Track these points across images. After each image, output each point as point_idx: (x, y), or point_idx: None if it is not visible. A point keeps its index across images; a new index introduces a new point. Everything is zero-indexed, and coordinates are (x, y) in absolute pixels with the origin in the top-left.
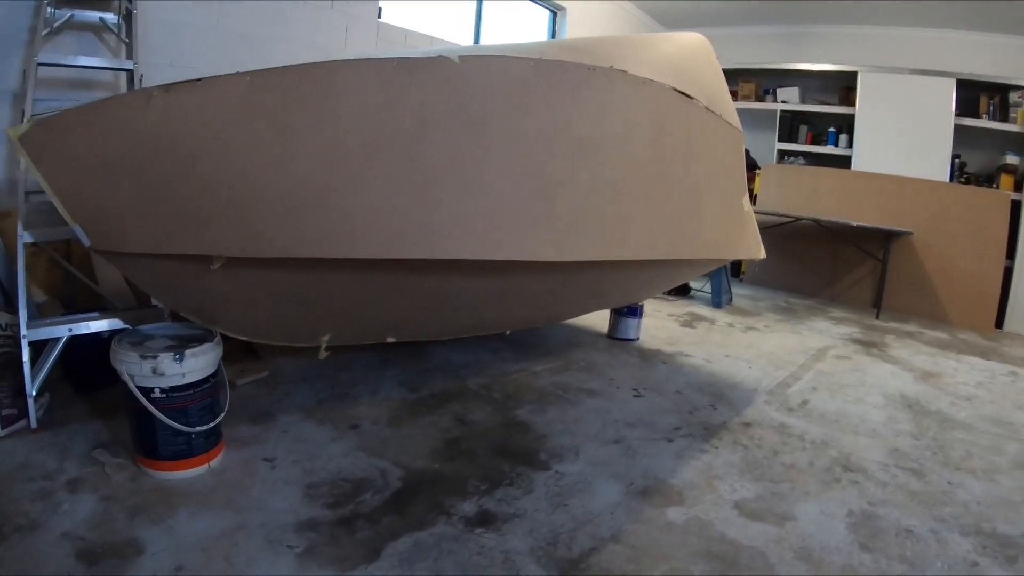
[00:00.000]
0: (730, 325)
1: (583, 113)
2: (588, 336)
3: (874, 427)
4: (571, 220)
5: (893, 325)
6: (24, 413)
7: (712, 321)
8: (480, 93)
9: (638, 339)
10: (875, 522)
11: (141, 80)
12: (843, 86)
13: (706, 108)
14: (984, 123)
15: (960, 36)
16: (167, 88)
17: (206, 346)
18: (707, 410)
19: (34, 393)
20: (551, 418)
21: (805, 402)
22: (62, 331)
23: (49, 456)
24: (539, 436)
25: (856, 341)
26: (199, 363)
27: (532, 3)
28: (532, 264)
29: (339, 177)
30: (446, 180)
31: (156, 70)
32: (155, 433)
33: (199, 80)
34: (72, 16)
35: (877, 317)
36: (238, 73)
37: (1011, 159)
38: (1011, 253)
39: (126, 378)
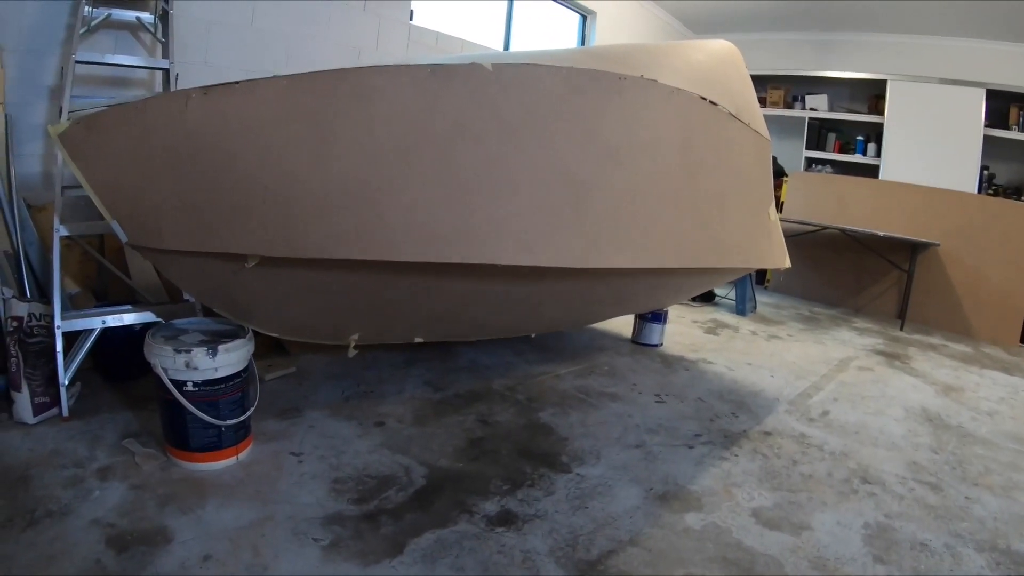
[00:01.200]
0: (753, 333)
1: (614, 121)
2: (612, 340)
3: (893, 440)
4: (601, 226)
5: (917, 337)
6: (56, 401)
7: (736, 329)
8: (513, 100)
9: (661, 345)
10: (890, 535)
11: (177, 79)
12: (872, 94)
13: (734, 116)
14: (1014, 134)
15: (990, 46)
16: (206, 90)
17: (238, 342)
18: (728, 418)
19: (66, 383)
20: (573, 421)
21: (826, 413)
22: (96, 323)
23: (80, 444)
24: (561, 439)
25: (879, 353)
26: (231, 358)
27: (562, 7)
28: (561, 269)
29: (374, 180)
30: (479, 185)
31: (191, 68)
32: (186, 425)
33: (237, 83)
34: (109, 15)
35: (901, 329)
36: (275, 76)
37: None
38: None
39: (159, 371)
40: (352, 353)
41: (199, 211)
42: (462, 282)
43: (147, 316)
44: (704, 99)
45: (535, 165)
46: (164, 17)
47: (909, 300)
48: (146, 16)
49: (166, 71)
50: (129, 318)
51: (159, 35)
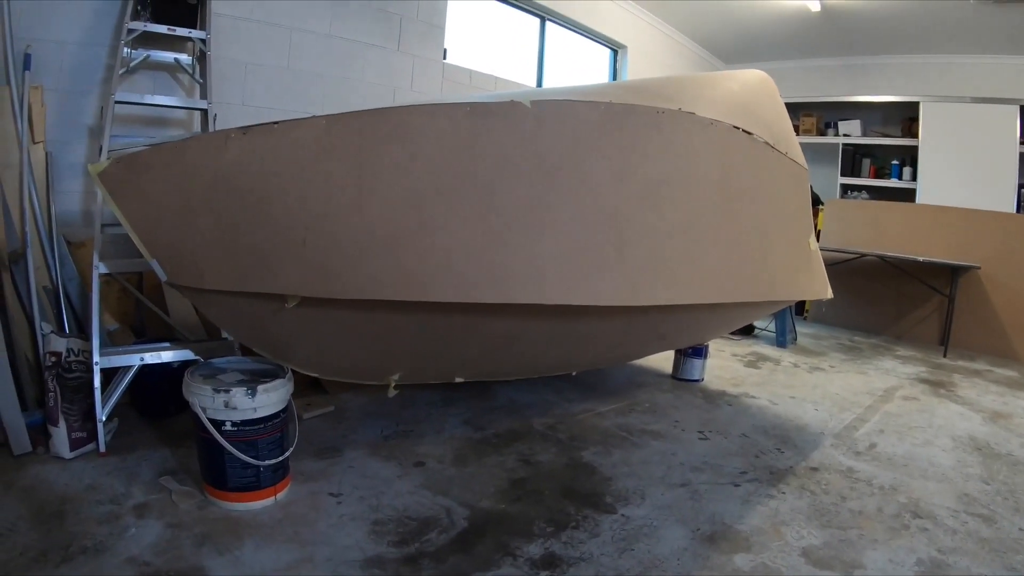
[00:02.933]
0: (795, 365)
1: (653, 156)
2: (652, 376)
3: (943, 471)
4: (642, 264)
5: (961, 364)
6: (93, 437)
7: (777, 361)
8: (552, 137)
9: (702, 380)
10: (944, 570)
11: (215, 119)
12: (905, 117)
13: (771, 146)
14: None
15: (1020, 61)
16: (245, 130)
17: (278, 382)
18: (773, 454)
19: (104, 418)
20: (616, 460)
21: (873, 445)
22: (134, 359)
23: (117, 480)
24: (604, 478)
25: (923, 381)
26: (271, 398)
27: (593, 42)
28: (603, 308)
29: (415, 220)
30: (520, 224)
31: (229, 109)
32: (224, 465)
33: (276, 123)
34: (148, 56)
35: (944, 355)
36: (314, 116)
37: None
38: None
39: (198, 410)
40: (392, 393)
41: (239, 251)
42: (504, 321)
43: (185, 354)
44: (741, 130)
45: (575, 203)
46: (202, 59)
47: (951, 325)
48: (184, 58)
49: (204, 111)
50: (167, 355)
51: (197, 76)
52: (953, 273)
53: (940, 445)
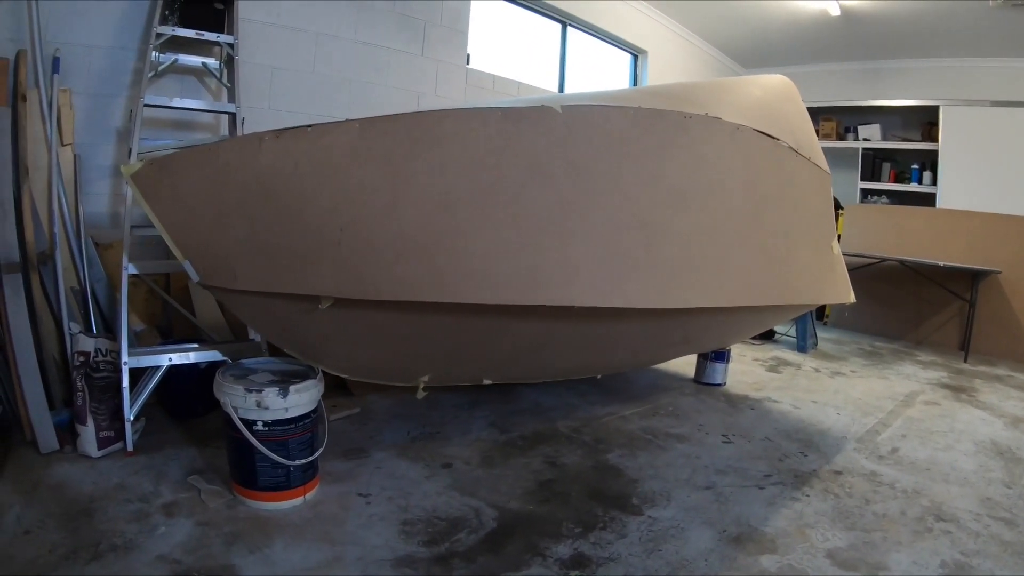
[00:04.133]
0: (816, 370)
1: (681, 160)
2: (674, 381)
3: (965, 475)
4: (671, 267)
5: (982, 369)
6: (120, 436)
7: (798, 366)
8: (583, 142)
9: (724, 384)
10: (968, 572)
11: (243, 123)
12: (925, 121)
13: (795, 151)
14: None
15: None
16: (278, 133)
17: (309, 382)
18: (797, 457)
19: (132, 418)
20: (642, 463)
21: (895, 450)
22: (162, 360)
23: (145, 479)
24: (631, 481)
25: (945, 386)
26: (302, 399)
27: (614, 47)
28: (633, 311)
29: (448, 223)
30: (551, 227)
31: (256, 113)
32: (255, 464)
33: (309, 126)
34: (176, 60)
35: (965, 360)
36: (348, 120)
37: None
38: None
39: (229, 410)
40: (421, 395)
41: (273, 252)
42: (534, 324)
43: (213, 355)
44: (766, 135)
45: (606, 206)
46: (229, 63)
47: (972, 331)
48: (211, 62)
49: (233, 115)
50: (195, 356)
51: (224, 80)
52: (974, 278)
53: (962, 450)
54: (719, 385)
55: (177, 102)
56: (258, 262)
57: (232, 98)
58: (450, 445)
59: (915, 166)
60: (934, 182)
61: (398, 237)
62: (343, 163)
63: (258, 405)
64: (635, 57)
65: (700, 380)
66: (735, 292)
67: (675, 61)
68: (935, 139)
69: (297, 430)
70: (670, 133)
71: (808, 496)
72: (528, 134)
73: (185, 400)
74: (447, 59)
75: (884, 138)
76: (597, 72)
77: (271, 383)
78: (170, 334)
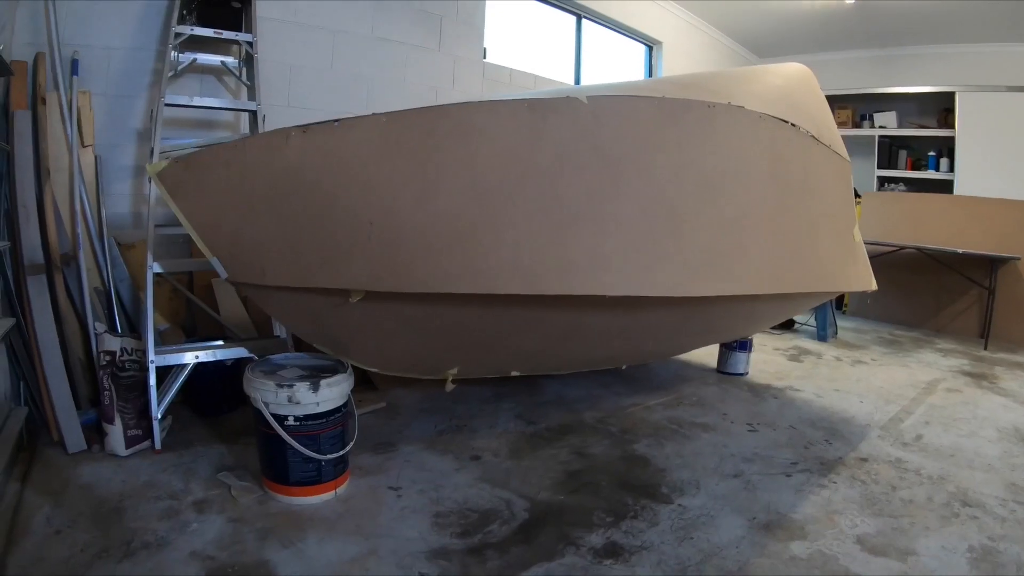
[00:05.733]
0: (837, 359)
1: (707, 149)
2: (696, 371)
3: (989, 461)
4: (699, 255)
5: (1002, 356)
6: (148, 434)
7: (819, 355)
8: (610, 131)
9: (747, 374)
10: (996, 557)
11: (264, 120)
12: (941, 108)
13: (816, 139)
14: None
15: None
16: (305, 129)
17: (339, 377)
18: (822, 445)
19: (159, 416)
20: (669, 452)
21: (919, 437)
22: (188, 358)
23: (174, 477)
24: (659, 470)
25: (965, 373)
26: (333, 393)
27: (628, 38)
28: (661, 299)
29: (479, 214)
30: (581, 218)
31: (275, 110)
32: (286, 459)
33: (336, 121)
34: (195, 60)
35: (985, 348)
36: (374, 114)
37: None
38: None
39: (260, 406)
40: (450, 387)
41: (302, 248)
42: (564, 313)
43: (239, 351)
44: (788, 123)
45: (634, 195)
46: (248, 61)
47: (992, 318)
48: (230, 60)
49: (253, 113)
50: (221, 353)
51: (243, 79)
52: (992, 264)
53: (985, 436)
54: (742, 375)
55: (197, 101)
56: (287, 257)
57: (252, 96)
58: (477, 438)
59: (932, 153)
60: (951, 169)
61: (428, 229)
62: (371, 157)
63: (289, 400)
64: (650, 48)
65: (722, 370)
66: (760, 280)
67: (690, 52)
68: (951, 125)
69: (328, 424)
70: (695, 122)
71: (835, 483)
72: (556, 124)
73: (211, 397)
74: (464, 54)
75: (900, 125)
76: (612, 64)
77: (301, 378)
78: (194, 332)
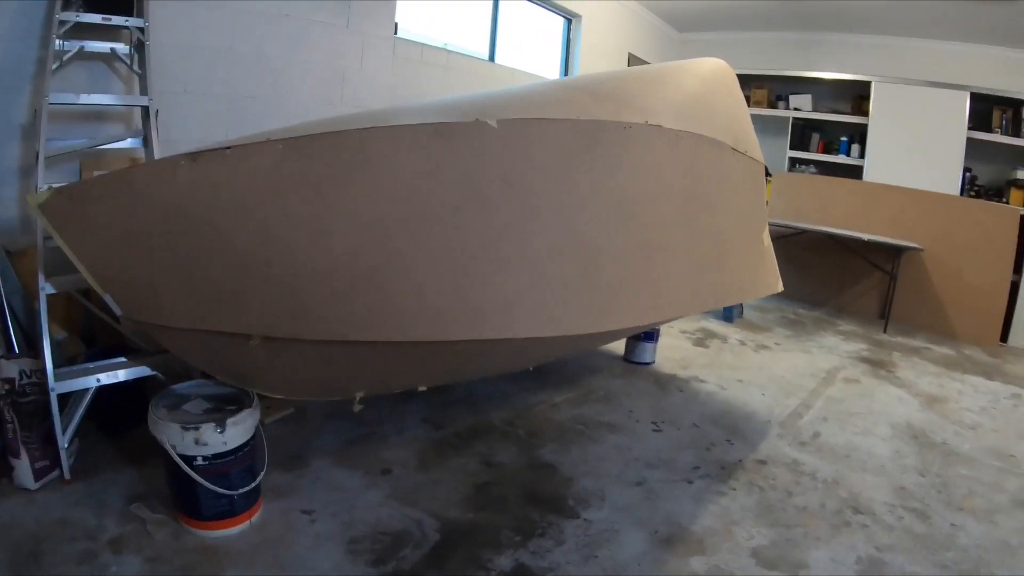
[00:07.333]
0: (742, 343)
1: (622, 174)
2: (605, 360)
3: (882, 463)
4: (611, 289)
5: (900, 340)
6: (55, 464)
7: (724, 339)
8: (522, 161)
9: (653, 363)
10: (881, 569)
11: (156, 115)
12: (856, 95)
13: (734, 149)
14: (996, 137)
15: (975, 49)
16: (194, 157)
17: (244, 413)
18: (723, 446)
19: (66, 445)
20: (575, 458)
21: (816, 435)
22: (90, 382)
23: (87, 511)
24: (565, 479)
25: (865, 360)
26: (239, 431)
27: (547, 10)
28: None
29: (381, 256)
30: (488, 255)
31: (170, 97)
32: (198, 496)
33: (227, 148)
34: (82, 47)
35: (885, 331)
36: (269, 141)
37: (1022, 174)
38: (1018, 268)
39: (167, 447)
40: (358, 408)
41: (198, 287)
42: (472, 345)
43: (142, 370)
44: (707, 138)
45: (545, 230)
46: (140, 48)
47: (893, 303)
48: (120, 47)
49: (146, 108)
50: (124, 374)
51: (135, 66)
52: (897, 252)
53: (879, 434)
54: (648, 364)
55: (85, 98)
56: (182, 298)
57: (144, 89)
58: (387, 447)
59: (844, 138)
60: (862, 155)
61: (327, 272)
62: (266, 190)
63: (196, 442)
64: (568, 21)
65: (629, 359)
66: (672, 305)
67: (609, 25)
68: (865, 113)
69: (237, 460)
70: (610, 145)
71: (735, 490)
72: (463, 153)
73: (115, 414)
74: (373, 31)
75: (815, 109)
76: (530, 36)
77: (207, 413)
78: (93, 341)
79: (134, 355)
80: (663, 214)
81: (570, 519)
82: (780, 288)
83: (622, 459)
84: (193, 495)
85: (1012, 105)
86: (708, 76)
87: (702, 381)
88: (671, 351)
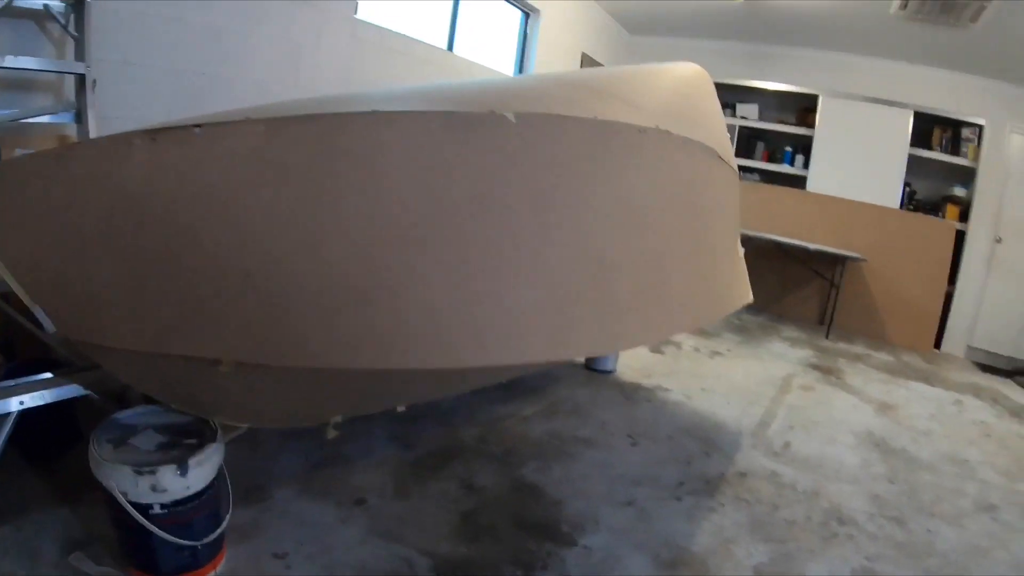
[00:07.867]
0: (696, 349)
1: (635, 181)
2: (565, 367)
3: (853, 472)
4: (625, 306)
5: (842, 346)
6: None
7: (678, 345)
8: (541, 160)
9: (615, 371)
10: None
11: (94, 85)
12: (802, 107)
13: (721, 159)
14: (936, 155)
15: (920, 71)
16: (153, 136)
17: (211, 449)
18: (702, 458)
19: None
20: (558, 477)
21: (787, 444)
22: (11, 405)
23: (17, 563)
24: (554, 502)
25: (814, 367)
26: (204, 471)
27: (507, 2)
28: None
29: (385, 267)
30: (505, 270)
31: (109, 67)
32: (154, 549)
33: (196, 127)
34: (10, 2)
35: (827, 337)
36: (249, 120)
37: (958, 191)
38: (952, 279)
39: (117, 495)
40: (332, 434)
41: (153, 302)
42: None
43: (72, 390)
44: (706, 146)
45: (563, 243)
46: (79, 6)
47: (835, 310)
48: (55, 4)
49: (82, 77)
50: (51, 395)
51: (71, 28)
52: (839, 261)
53: (844, 442)
54: (610, 372)
55: (10, 61)
56: (133, 314)
57: (80, 55)
58: (356, 471)
59: (788, 148)
60: (806, 166)
61: (319, 286)
62: (246, 182)
63: (153, 488)
64: (526, 16)
65: (591, 366)
66: (676, 322)
67: (566, 23)
68: (810, 125)
69: (201, 505)
70: (625, 149)
71: (723, 505)
72: (478, 147)
73: (42, 437)
74: (333, 8)
75: (761, 118)
76: (487, 29)
77: (162, 450)
78: (14, 353)
79: (62, 371)
80: (670, 225)
81: (569, 547)
82: (751, 298)
83: (606, 477)
84: (148, 548)
85: (952, 125)
86: (692, 81)
87: (666, 390)
88: (629, 358)
